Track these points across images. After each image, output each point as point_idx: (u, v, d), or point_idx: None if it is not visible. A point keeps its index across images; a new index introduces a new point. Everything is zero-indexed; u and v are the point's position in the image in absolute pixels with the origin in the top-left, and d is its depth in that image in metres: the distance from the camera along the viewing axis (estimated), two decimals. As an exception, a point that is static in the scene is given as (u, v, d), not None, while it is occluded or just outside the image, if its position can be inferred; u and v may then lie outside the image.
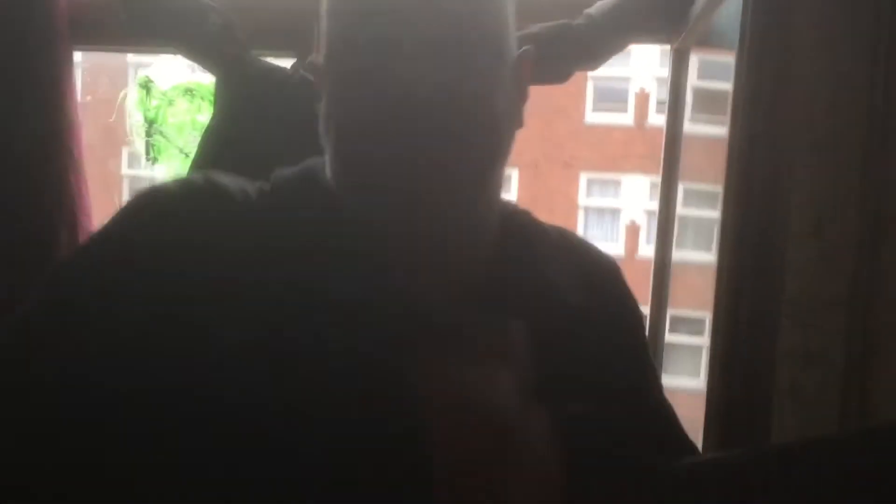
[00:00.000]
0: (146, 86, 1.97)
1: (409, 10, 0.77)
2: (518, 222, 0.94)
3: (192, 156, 1.73)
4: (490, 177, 0.85)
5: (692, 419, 1.60)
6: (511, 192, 12.60)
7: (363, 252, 0.79)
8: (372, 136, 0.78)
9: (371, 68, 0.77)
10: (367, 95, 0.78)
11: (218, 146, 1.75)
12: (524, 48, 0.89)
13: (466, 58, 0.77)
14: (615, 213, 12.54)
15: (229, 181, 0.83)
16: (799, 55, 1.52)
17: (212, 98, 1.82)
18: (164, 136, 1.98)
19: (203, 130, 1.73)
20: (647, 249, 12.19)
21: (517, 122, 0.87)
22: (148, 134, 2.05)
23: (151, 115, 2.01)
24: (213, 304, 0.74)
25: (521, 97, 0.88)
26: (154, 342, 0.73)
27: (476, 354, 0.83)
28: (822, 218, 1.58)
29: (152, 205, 0.81)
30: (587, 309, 0.91)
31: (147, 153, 2.04)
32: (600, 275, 0.99)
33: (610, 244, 12.49)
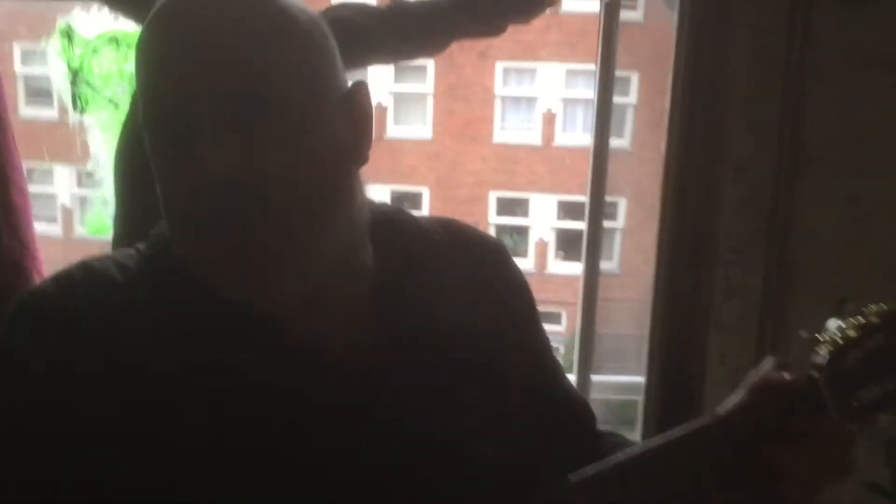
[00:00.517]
0: (68, 34, 1.88)
1: (200, 85, 0.70)
2: (391, 231, 0.87)
3: (121, 107, 1.70)
4: (331, 215, 0.75)
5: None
6: (427, 83, 12.49)
7: (229, 322, 0.75)
8: (188, 221, 0.72)
9: (169, 151, 0.72)
10: (172, 179, 0.73)
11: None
12: (357, 81, 0.80)
13: (273, 130, 0.70)
14: (531, 101, 12.56)
15: (106, 263, 0.79)
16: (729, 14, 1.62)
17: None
18: (91, 86, 1.91)
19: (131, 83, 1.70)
20: (563, 137, 12.33)
21: (357, 159, 0.79)
22: (73, 83, 1.97)
23: (76, 64, 1.93)
24: (118, 395, 0.71)
25: (360, 132, 0.78)
26: (72, 454, 0.71)
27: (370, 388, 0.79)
28: (744, 164, 1.69)
29: (36, 311, 0.75)
30: (476, 305, 0.88)
31: (74, 103, 1.97)
32: (487, 263, 0.94)
33: (526, 133, 12.58)
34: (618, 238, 9.32)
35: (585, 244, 2.07)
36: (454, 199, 12.69)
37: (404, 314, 0.82)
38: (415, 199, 12.57)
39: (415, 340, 0.82)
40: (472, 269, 0.91)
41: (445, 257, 0.90)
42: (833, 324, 0.82)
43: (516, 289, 0.96)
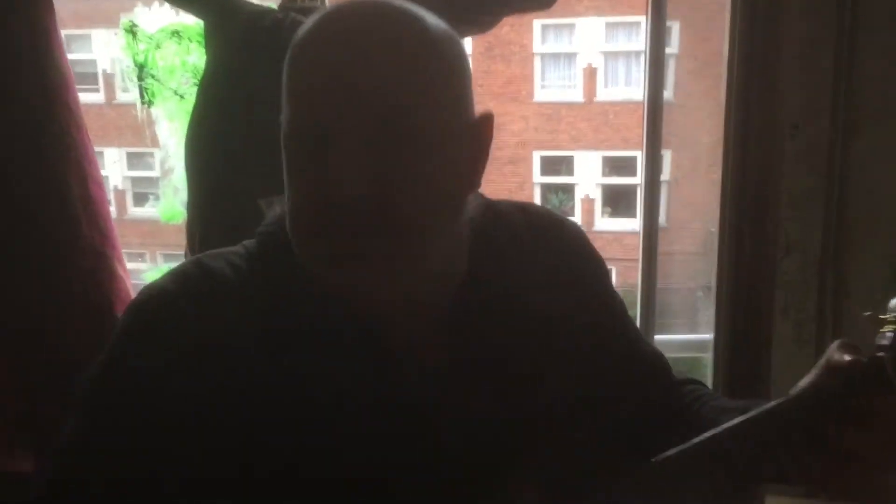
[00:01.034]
0: (132, 30, 1.95)
1: (343, 105, 0.74)
2: (482, 231, 0.90)
3: (186, 97, 1.77)
4: (441, 233, 0.81)
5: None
6: (464, 44, 12.36)
7: (339, 315, 0.81)
8: (313, 228, 0.78)
9: (307, 164, 0.77)
10: (304, 188, 0.78)
11: (214, 93, 1.79)
12: (485, 112, 0.83)
13: (406, 154, 0.75)
14: (571, 57, 12.42)
15: (219, 262, 0.84)
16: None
17: (200, 39, 1.83)
18: (156, 79, 1.98)
19: (199, 77, 1.76)
20: (604, 93, 12.19)
21: (472, 185, 0.83)
22: (140, 78, 2.05)
23: (140, 59, 2.01)
24: (231, 383, 0.78)
25: (480, 160, 0.83)
26: (193, 441, 0.78)
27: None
28: (800, 120, 1.70)
29: (157, 310, 0.82)
30: (559, 290, 0.93)
31: (142, 97, 2.05)
32: (566, 247, 0.99)
33: (568, 90, 12.45)
34: (664, 191, 9.24)
35: (643, 199, 2.06)
36: (498, 161, 12.66)
37: (492, 310, 0.88)
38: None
39: (501, 333, 0.87)
40: (553, 255, 0.96)
41: (529, 248, 0.94)
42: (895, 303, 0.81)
43: (595, 268, 1.01)
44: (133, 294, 1.91)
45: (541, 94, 12.63)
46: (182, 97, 1.90)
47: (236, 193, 1.84)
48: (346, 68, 0.75)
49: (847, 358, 0.80)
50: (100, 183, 1.92)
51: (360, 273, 0.77)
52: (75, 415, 0.82)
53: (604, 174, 12.69)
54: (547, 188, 12.91)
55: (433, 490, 0.81)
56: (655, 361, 1.03)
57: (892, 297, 0.81)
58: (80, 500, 0.79)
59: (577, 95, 12.36)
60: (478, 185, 0.85)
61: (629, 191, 12.50)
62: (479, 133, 0.83)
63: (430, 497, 0.82)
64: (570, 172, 13.03)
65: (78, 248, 1.87)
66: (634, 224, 12.86)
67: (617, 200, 12.70)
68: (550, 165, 13.04)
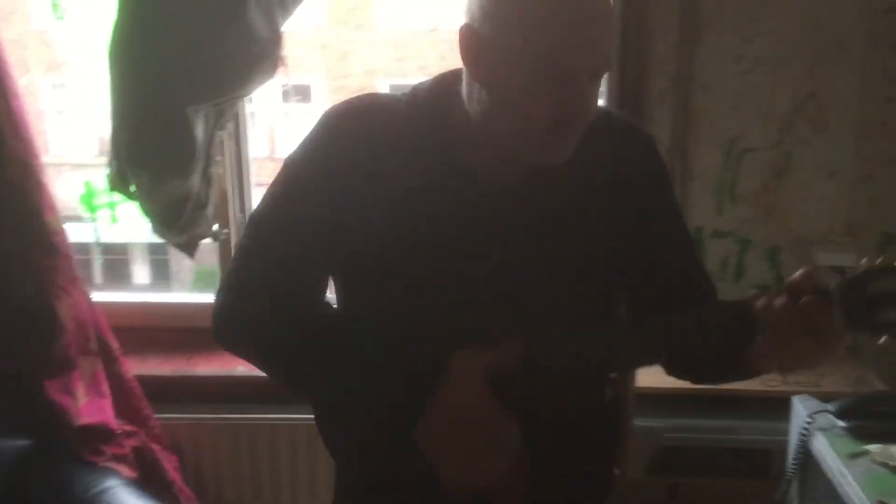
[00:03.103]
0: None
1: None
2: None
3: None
4: None
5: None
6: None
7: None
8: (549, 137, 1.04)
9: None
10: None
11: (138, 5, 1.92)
12: None
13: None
14: (415, -15, 12.51)
15: (386, 97, 1.18)
16: None
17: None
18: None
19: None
20: (450, 22, 12.37)
21: None
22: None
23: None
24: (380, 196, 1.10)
25: None
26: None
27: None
28: (652, 27, 2.02)
29: (343, 121, 1.15)
30: (618, 184, 1.14)
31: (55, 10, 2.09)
32: (632, 151, 1.18)
33: (413, 18, 12.54)
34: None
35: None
36: (347, 90, 12.66)
37: (559, 186, 1.11)
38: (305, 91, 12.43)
39: (566, 197, 1.12)
40: (619, 154, 1.16)
41: (600, 143, 1.13)
42: (864, 261, 0.96)
43: (657, 175, 1.21)
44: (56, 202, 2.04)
45: (387, 23, 12.68)
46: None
47: (161, 103, 1.99)
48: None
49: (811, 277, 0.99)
50: (17, 95, 2.01)
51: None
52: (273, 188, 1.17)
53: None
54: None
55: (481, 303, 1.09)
56: (704, 281, 1.22)
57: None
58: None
59: (422, 24, 12.52)
60: None
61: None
62: None
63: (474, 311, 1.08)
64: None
65: (4, 160, 1.97)
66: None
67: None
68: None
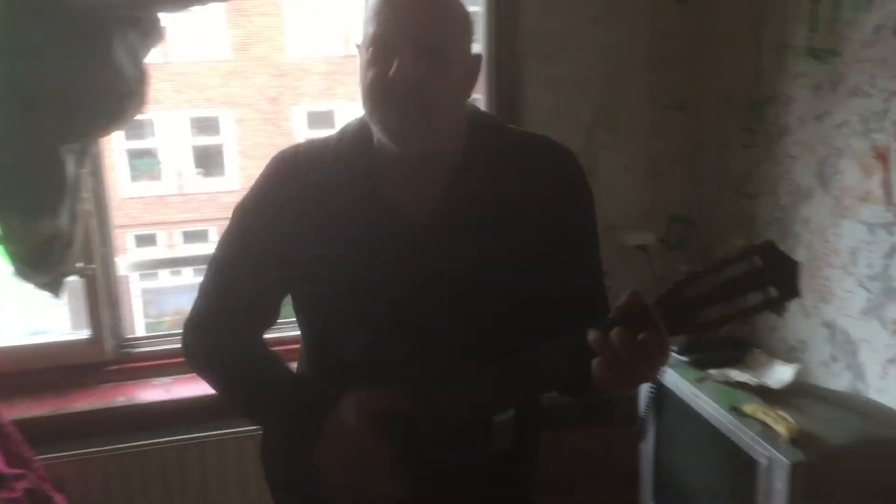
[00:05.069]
0: None
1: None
2: (481, 128, 1.25)
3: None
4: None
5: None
6: None
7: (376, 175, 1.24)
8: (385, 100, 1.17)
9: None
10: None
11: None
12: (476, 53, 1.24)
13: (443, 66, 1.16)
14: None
15: (319, 140, 1.31)
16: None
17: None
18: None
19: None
20: (184, 54, 12.05)
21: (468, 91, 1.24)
22: None
23: None
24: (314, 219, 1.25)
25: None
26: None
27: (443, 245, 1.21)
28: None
29: (283, 167, 1.31)
30: (530, 191, 1.22)
31: None
32: (549, 163, 1.26)
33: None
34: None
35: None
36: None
37: (473, 191, 1.22)
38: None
39: (478, 211, 1.21)
40: (533, 165, 1.25)
41: (517, 155, 1.25)
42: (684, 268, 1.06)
43: (569, 189, 1.27)
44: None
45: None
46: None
47: (32, 143, 2.00)
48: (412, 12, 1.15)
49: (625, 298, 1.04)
50: None
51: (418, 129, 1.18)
52: (229, 231, 1.32)
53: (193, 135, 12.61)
54: (131, 154, 12.40)
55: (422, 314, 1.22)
56: (594, 302, 1.28)
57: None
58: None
59: (155, 56, 12.04)
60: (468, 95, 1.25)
61: (216, 151, 12.59)
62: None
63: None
64: (152, 135, 12.66)
65: None
66: (226, 183, 12.84)
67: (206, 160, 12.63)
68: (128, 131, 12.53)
